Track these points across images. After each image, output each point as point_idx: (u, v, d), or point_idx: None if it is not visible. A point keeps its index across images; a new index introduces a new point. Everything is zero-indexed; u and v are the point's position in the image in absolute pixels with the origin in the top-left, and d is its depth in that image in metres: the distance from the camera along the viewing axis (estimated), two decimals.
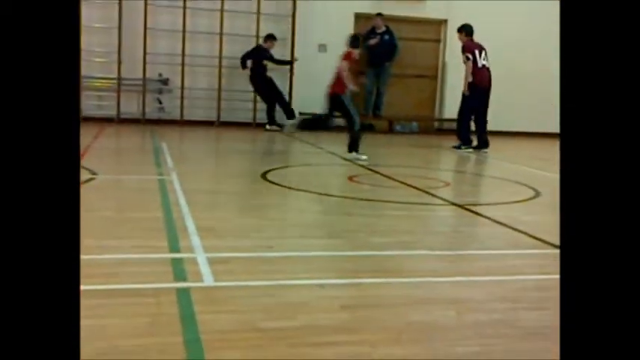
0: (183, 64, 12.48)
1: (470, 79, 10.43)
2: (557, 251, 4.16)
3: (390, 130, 13.79)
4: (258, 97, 12.84)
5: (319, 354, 2.50)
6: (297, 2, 12.89)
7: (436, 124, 14.33)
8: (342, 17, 13.27)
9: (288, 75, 12.89)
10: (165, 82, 12.68)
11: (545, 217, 5.43)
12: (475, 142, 10.71)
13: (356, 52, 8.98)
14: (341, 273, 3.67)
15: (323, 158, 9.23)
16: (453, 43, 13.90)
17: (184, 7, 12.34)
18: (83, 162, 6.89)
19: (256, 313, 2.85)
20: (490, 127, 10.93)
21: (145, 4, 12.14)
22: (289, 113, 12.44)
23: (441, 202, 5.94)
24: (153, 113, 12.71)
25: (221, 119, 12.86)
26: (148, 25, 12.23)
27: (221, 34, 12.58)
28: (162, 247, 3.84)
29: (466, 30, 10.78)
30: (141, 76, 12.35)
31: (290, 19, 12.88)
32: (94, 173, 6.27)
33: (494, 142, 10.92)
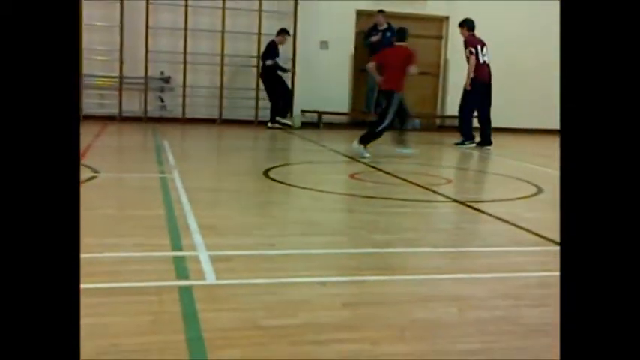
0: (185, 62, 12.48)
1: (472, 75, 10.42)
2: (559, 248, 4.16)
3: (392, 127, 13.76)
4: (260, 95, 12.84)
5: (321, 352, 2.50)
6: (299, 0, 12.88)
7: (438, 121, 14.31)
8: (343, 14, 13.26)
9: (290, 72, 12.87)
10: (167, 80, 12.68)
11: (548, 214, 5.42)
12: (478, 139, 10.70)
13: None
14: (343, 270, 3.67)
15: (325, 156, 9.23)
16: (455, 40, 13.88)
17: (186, 5, 12.33)
18: (85, 160, 6.90)
19: (258, 311, 2.85)
20: (492, 123, 10.91)
21: (147, 3, 12.15)
22: (283, 112, 12.39)
23: (443, 199, 5.93)
24: (155, 111, 12.71)
25: (223, 117, 12.86)
26: (150, 24, 12.23)
27: (223, 31, 12.57)
28: (164, 245, 3.84)
29: (468, 25, 10.80)
30: (143, 74, 12.35)
31: (292, 17, 12.87)
32: (95, 171, 6.27)
33: (496, 139, 10.91)
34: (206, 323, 2.67)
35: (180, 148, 9.63)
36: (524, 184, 6.92)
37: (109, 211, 4.81)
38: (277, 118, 12.31)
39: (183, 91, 12.59)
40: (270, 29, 12.67)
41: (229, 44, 12.71)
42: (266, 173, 6.83)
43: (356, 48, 13.52)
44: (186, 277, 3.27)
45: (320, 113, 13.00)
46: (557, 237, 4.39)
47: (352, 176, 7.03)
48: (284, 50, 12.66)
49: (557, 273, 3.52)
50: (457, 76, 13.88)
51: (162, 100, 12.80)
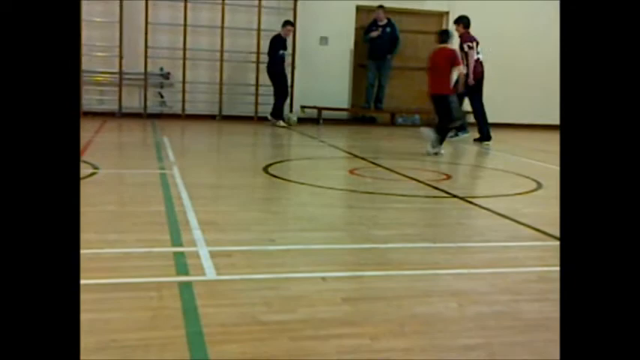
0: (184, 58, 12.47)
1: (464, 70, 10.45)
2: (558, 243, 4.17)
3: (392, 123, 13.78)
4: (260, 91, 12.82)
5: (321, 347, 2.50)
6: None
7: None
8: (343, 10, 13.26)
9: (290, 68, 12.85)
10: (166, 76, 12.67)
11: (547, 210, 5.43)
12: (476, 136, 10.71)
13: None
14: (343, 266, 3.67)
15: (325, 151, 9.23)
16: (455, 36, 13.88)
17: (185, 1, 12.33)
18: (85, 157, 6.90)
19: (258, 306, 2.86)
20: (491, 119, 10.91)
21: None
22: (280, 113, 12.30)
23: (442, 194, 5.94)
24: (154, 107, 12.71)
25: (223, 113, 12.86)
26: (149, 20, 12.22)
27: (222, 27, 12.56)
28: (164, 241, 3.85)
29: (464, 22, 10.84)
30: (142, 70, 12.34)
31: (291, 12, 12.86)
32: (95, 168, 6.28)
33: (495, 134, 10.91)
34: (206, 319, 2.68)
35: (180, 144, 9.63)
36: (524, 180, 6.92)
37: (109, 207, 4.82)
38: (273, 119, 12.20)
39: (183, 87, 12.59)
40: (269, 25, 12.66)
41: (229, 40, 12.70)
42: (266, 169, 6.83)
43: (356, 43, 13.51)
44: (187, 273, 3.28)
45: (320, 109, 12.99)
46: (556, 232, 4.40)
47: (352, 172, 7.03)
48: None
49: (557, 268, 3.53)
50: (457, 72, 13.90)
51: (161, 96, 12.80)
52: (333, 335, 2.61)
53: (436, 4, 13.80)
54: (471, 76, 10.49)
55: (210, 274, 3.27)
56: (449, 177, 7.09)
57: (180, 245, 3.78)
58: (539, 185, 6.56)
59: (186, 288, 3.04)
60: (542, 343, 2.68)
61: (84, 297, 2.10)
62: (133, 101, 12.53)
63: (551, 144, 10.65)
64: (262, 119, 12.58)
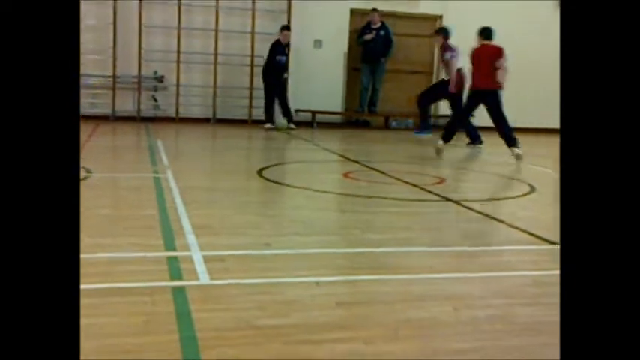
0: (178, 62, 12.45)
1: (445, 77, 10.69)
2: (553, 247, 4.17)
3: (386, 127, 13.79)
4: (254, 94, 12.80)
5: (315, 351, 2.50)
6: None
7: (431, 120, 14.31)
8: (337, 13, 13.26)
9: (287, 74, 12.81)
10: (160, 79, 12.64)
11: (541, 213, 5.44)
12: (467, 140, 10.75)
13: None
14: (337, 270, 3.67)
15: (319, 155, 9.23)
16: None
17: (179, 4, 12.31)
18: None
19: (252, 311, 2.85)
20: (484, 123, 10.89)
21: (140, 1, 12.12)
22: (269, 116, 12.26)
23: (436, 198, 5.94)
24: (148, 111, 12.68)
25: (217, 116, 12.84)
26: (143, 22, 12.20)
27: (216, 30, 12.55)
28: (157, 246, 3.84)
29: (444, 33, 11.04)
30: (136, 73, 12.32)
31: (285, 15, 12.85)
32: (89, 171, 6.26)
33: (489, 138, 10.92)
34: (200, 323, 2.67)
35: (174, 147, 9.62)
36: (518, 183, 6.94)
37: (102, 212, 4.80)
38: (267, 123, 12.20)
39: (177, 90, 12.57)
40: (263, 28, 12.65)
41: (223, 43, 12.69)
42: (260, 173, 6.83)
43: (350, 47, 13.52)
44: (180, 278, 3.27)
45: (314, 112, 12.99)
46: (550, 236, 4.40)
47: (346, 175, 7.03)
48: None
49: (551, 272, 3.55)
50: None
51: (155, 100, 12.77)
52: (328, 339, 2.60)
53: (430, 8, 13.82)
54: (453, 84, 10.59)
55: (204, 278, 3.26)
56: (443, 181, 7.10)
57: (174, 249, 3.77)
58: (533, 189, 6.57)
59: (179, 292, 3.03)
60: (537, 346, 2.68)
61: None
62: (126, 104, 12.50)
63: (545, 148, 10.68)
64: (256, 122, 12.56)
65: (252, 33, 12.69)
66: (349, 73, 13.62)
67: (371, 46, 12.95)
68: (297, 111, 12.97)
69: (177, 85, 12.53)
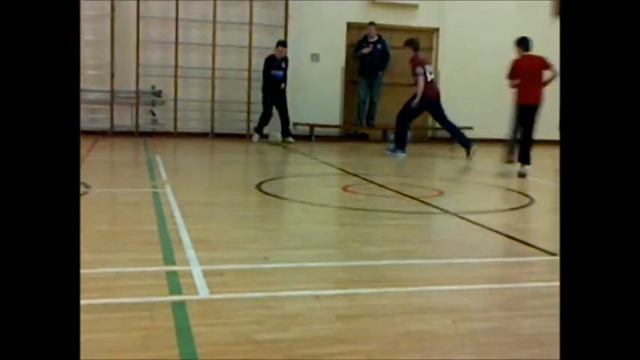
0: (176, 76, 12.48)
1: (419, 90, 10.62)
2: (552, 258, 4.17)
3: (384, 139, 13.80)
4: (252, 108, 12.81)
5: None
6: (290, 12, 12.92)
7: (429, 132, 14.35)
8: (334, 27, 13.31)
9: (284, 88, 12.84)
10: (158, 94, 12.67)
11: (540, 225, 5.44)
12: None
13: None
14: (336, 283, 3.66)
15: (317, 168, 9.24)
16: (446, 52, 13.98)
17: (176, 19, 12.35)
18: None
19: (251, 325, 2.84)
20: (483, 135, 10.95)
21: (138, 17, 12.16)
22: (286, 132, 12.31)
23: (435, 210, 5.94)
24: (146, 125, 12.69)
25: (215, 131, 12.86)
26: (141, 38, 12.24)
27: (214, 45, 12.59)
28: (156, 260, 3.83)
29: (414, 45, 10.99)
30: (134, 88, 12.35)
31: (282, 30, 12.90)
32: (87, 187, 6.25)
33: (486, 151, 10.94)
34: (199, 338, 2.66)
35: (173, 162, 9.62)
36: (517, 195, 6.94)
37: (101, 227, 4.79)
38: (255, 133, 12.24)
39: (175, 104, 12.59)
40: (261, 42, 12.70)
41: (220, 58, 12.72)
42: (258, 186, 6.83)
43: (347, 60, 13.56)
44: (179, 292, 3.26)
45: (312, 126, 13.01)
46: (550, 247, 4.40)
47: (345, 189, 7.03)
48: None
49: (550, 283, 3.54)
50: (447, 88, 13.97)
51: (153, 114, 12.79)
52: (328, 353, 2.60)
53: (427, 21, 13.88)
54: (419, 97, 10.58)
55: (204, 293, 3.26)
56: (441, 193, 7.10)
57: (173, 264, 3.76)
58: (532, 200, 6.57)
59: (179, 307, 3.02)
60: (537, 359, 2.67)
61: None
62: (124, 119, 12.52)
63: (542, 159, 10.68)
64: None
65: (250, 47, 12.74)
66: (347, 86, 13.66)
67: (368, 59, 13.00)
68: (295, 124, 12.99)
69: (175, 99, 12.55)
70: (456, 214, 5.68)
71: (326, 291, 3.42)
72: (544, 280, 3.72)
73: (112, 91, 12.25)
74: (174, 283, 3.40)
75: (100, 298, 3.11)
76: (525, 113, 8.76)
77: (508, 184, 7.80)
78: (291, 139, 12.19)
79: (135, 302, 3.09)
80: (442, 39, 13.98)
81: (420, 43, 11.10)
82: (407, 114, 10.89)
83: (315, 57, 13.37)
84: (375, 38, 12.99)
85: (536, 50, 13.47)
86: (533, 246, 4.55)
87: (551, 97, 10.42)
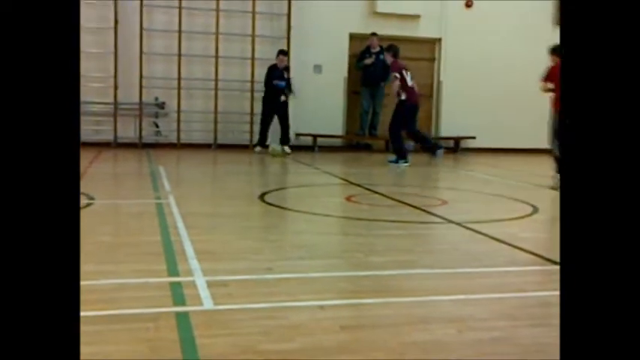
0: (179, 88, 12.52)
1: (403, 97, 10.85)
2: (556, 267, 4.16)
3: (387, 149, 13.81)
4: (255, 119, 12.82)
5: None
6: (292, 24, 12.96)
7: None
8: (336, 38, 13.36)
9: (286, 98, 12.85)
10: (161, 105, 12.71)
11: (544, 234, 5.43)
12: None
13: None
14: (340, 294, 3.66)
15: (321, 178, 9.24)
16: (448, 62, 14.01)
17: (179, 31, 12.40)
18: (80, 187, 6.89)
19: (256, 336, 2.84)
20: (485, 144, 10.97)
21: (140, 29, 12.22)
22: (285, 140, 12.31)
23: (439, 220, 5.94)
24: (150, 137, 12.73)
25: (218, 142, 12.88)
26: (144, 50, 12.30)
27: (216, 57, 12.64)
28: (160, 271, 3.83)
29: (393, 51, 11.20)
30: (137, 100, 12.39)
31: (285, 41, 12.94)
32: (91, 198, 6.26)
33: (490, 159, 10.94)
34: (204, 349, 2.66)
35: (176, 173, 9.63)
36: (520, 204, 6.93)
37: (104, 238, 4.80)
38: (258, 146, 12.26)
39: (178, 116, 12.62)
40: (263, 54, 12.74)
41: (223, 69, 12.77)
42: (262, 197, 6.83)
43: (349, 71, 13.60)
44: (183, 303, 3.26)
45: (315, 136, 13.03)
46: (554, 256, 4.39)
47: (348, 199, 7.03)
48: None
49: (555, 292, 3.52)
50: (450, 98, 14.00)
51: (157, 126, 12.82)
52: None
53: (429, 31, 13.92)
54: (401, 95, 10.88)
55: (208, 304, 3.25)
56: (445, 202, 7.10)
57: (177, 275, 3.76)
58: (536, 209, 6.56)
59: (183, 318, 3.02)
60: None
61: (80, 329, 2.08)
62: (128, 131, 12.55)
63: (545, 168, 10.67)
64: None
65: (253, 59, 12.78)
66: (349, 96, 13.69)
67: (370, 70, 13.03)
68: (298, 135, 13.02)
69: (179, 111, 12.58)
70: (459, 224, 5.67)
71: (330, 301, 3.41)
72: (549, 290, 3.70)
73: (116, 103, 12.30)
74: (178, 294, 3.40)
75: (104, 309, 3.11)
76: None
77: (512, 194, 7.78)
78: (287, 149, 12.16)
79: (139, 313, 3.09)
80: (444, 49, 14.00)
81: (399, 50, 11.30)
82: (396, 124, 11.08)
83: (317, 68, 13.41)
84: (378, 49, 13.03)
85: (538, 60, 13.55)
86: (537, 255, 4.54)
87: (545, 107, 10.65)
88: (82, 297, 2.94)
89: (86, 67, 11.81)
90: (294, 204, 6.89)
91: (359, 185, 8.16)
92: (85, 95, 11.90)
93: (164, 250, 4.33)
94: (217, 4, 12.54)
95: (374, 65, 13.01)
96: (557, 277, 3.90)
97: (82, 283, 3.33)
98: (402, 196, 7.15)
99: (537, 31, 13.84)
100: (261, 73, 12.47)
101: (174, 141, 12.66)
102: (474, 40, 13.86)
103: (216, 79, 12.69)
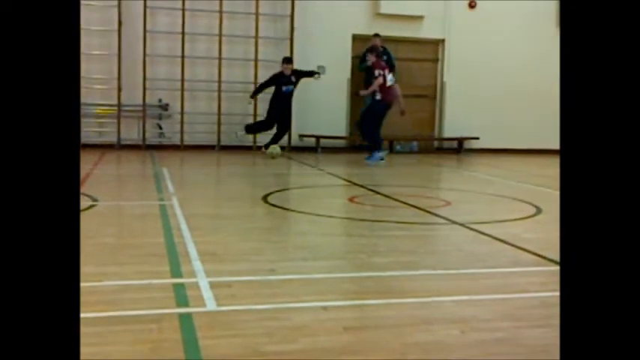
0: (182, 90, 12.53)
1: (378, 97, 11.26)
2: (559, 268, 4.15)
3: (390, 150, 13.81)
4: (258, 120, 12.80)
5: None
6: (295, 25, 12.97)
7: (436, 143, 14.35)
8: (340, 39, 13.35)
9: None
10: (165, 107, 12.72)
11: (547, 234, 5.42)
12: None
13: None
14: (343, 295, 3.66)
15: (324, 179, 9.24)
16: (451, 63, 13.99)
17: (183, 33, 12.42)
18: (84, 189, 6.90)
19: (259, 337, 2.84)
20: (489, 145, 10.95)
21: (144, 31, 12.23)
22: (275, 140, 12.22)
23: (442, 220, 5.93)
24: (153, 139, 12.74)
25: (221, 143, 12.88)
26: (147, 52, 12.31)
27: (220, 58, 12.64)
28: (164, 273, 3.83)
29: (376, 51, 11.72)
30: (141, 102, 12.40)
31: (288, 42, 12.95)
32: (94, 200, 6.28)
33: (493, 160, 10.92)
34: (207, 350, 2.66)
35: (179, 174, 9.64)
36: (523, 205, 6.92)
37: (108, 240, 4.81)
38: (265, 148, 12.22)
39: (182, 118, 12.63)
40: (266, 55, 12.75)
41: (226, 71, 12.77)
42: (265, 198, 6.83)
43: (352, 72, 13.59)
44: (187, 304, 3.26)
45: (318, 137, 13.03)
46: (557, 257, 4.38)
47: (351, 200, 7.03)
48: None
49: (558, 293, 3.52)
50: (454, 98, 13.99)
51: (160, 128, 12.83)
52: None
53: (432, 32, 13.91)
54: (365, 92, 11.50)
55: (211, 305, 3.26)
56: (448, 203, 7.09)
57: (180, 276, 3.77)
58: (539, 210, 6.55)
59: (186, 319, 3.02)
60: None
61: (83, 330, 2.09)
62: (131, 133, 12.57)
63: (549, 169, 10.67)
64: (261, 149, 12.56)
65: (256, 60, 12.78)
66: (353, 98, 13.68)
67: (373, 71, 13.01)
68: (301, 136, 13.02)
69: (182, 112, 12.60)
70: (463, 225, 5.66)
71: (333, 302, 3.41)
72: (552, 290, 3.70)
73: (119, 105, 12.31)
74: (181, 296, 3.40)
75: (107, 311, 3.12)
76: None
77: (515, 194, 7.78)
78: (277, 148, 12.03)
79: (142, 315, 3.09)
80: (447, 50, 13.99)
81: (380, 50, 11.91)
82: (369, 122, 11.44)
83: (321, 69, 13.40)
84: (380, 50, 13.01)
85: (541, 62, 13.54)
86: (541, 256, 4.53)
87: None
88: (85, 298, 2.95)
89: (90, 69, 11.84)
90: (298, 205, 6.89)
91: (362, 186, 8.15)
92: (88, 97, 11.93)
93: (167, 252, 4.33)
94: (220, 6, 12.55)
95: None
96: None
97: (86, 284, 3.35)
98: (405, 197, 7.15)
99: (541, 32, 13.84)
100: (263, 75, 12.45)
101: (178, 142, 12.67)
102: (478, 41, 13.84)
103: (220, 81, 12.70)
